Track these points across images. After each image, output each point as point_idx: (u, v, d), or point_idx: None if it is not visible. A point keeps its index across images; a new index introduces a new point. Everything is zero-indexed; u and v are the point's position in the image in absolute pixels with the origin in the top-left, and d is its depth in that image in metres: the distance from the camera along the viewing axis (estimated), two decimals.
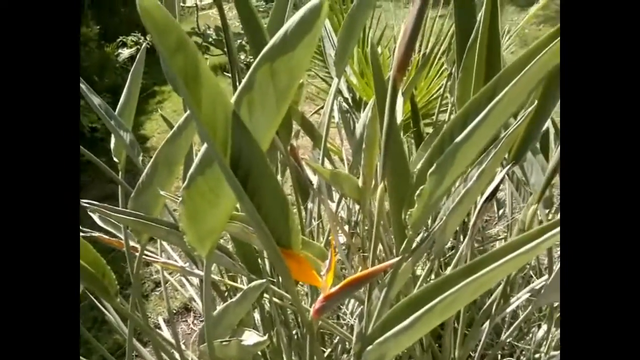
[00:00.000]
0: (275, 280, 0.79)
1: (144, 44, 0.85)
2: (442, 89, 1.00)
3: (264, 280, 0.54)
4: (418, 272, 0.84)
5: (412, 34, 0.35)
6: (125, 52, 3.18)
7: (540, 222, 0.71)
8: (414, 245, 0.49)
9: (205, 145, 0.35)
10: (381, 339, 0.36)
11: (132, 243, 0.68)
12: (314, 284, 0.39)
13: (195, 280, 0.93)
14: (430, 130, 1.03)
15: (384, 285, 0.52)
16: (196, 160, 0.37)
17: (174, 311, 1.51)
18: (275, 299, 0.71)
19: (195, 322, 1.48)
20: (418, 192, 0.39)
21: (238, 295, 0.55)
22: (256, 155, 0.33)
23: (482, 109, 0.39)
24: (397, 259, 0.38)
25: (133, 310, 0.67)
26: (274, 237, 0.36)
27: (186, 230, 0.41)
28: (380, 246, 0.89)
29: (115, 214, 0.54)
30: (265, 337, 0.48)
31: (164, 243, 0.91)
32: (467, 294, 0.33)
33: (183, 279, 1.03)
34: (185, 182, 0.38)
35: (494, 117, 0.37)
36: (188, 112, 0.57)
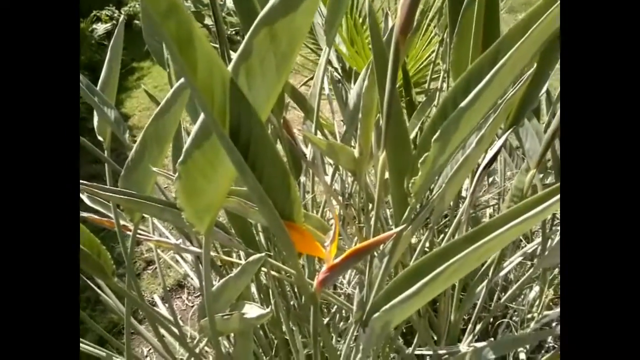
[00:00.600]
0: (272, 253, 0.79)
1: (121, 17, 0.81)
2: (433, 56, 0.98)
3: (263, 254, 0.53)
4: (412, 240, 0.85)
5: None
6: (100, 28, 3.05)
7: (534, 187, 0.72)
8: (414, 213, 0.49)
9: (201, 117, 0.34)
10: (387, 306, 0.36)
11: (122, 222, 0.67)
12: (318, 255, 0.38)
13: (190, 257, 0.93)
14: (422, 98, 1.02)
15: (383, 255, 0.52)
16: (192, 133, 0.35)
17: (168, 289, 1.51)
18: (272, 272, 0.71)
19: (189, 298, 1.48)
20: (422, 159, 0.38)
21: (237, 269, 0.55)
22: (256, 125, 0.32)
23: (484, 74, 0.38)
24: (401, 227, 0.37)
25: (129, 289, 0.66)
26: (276, 210, 0.36)
27: (184, 206, 0.40)
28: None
29: (107, 194, 0.52)
30: (268, 310, 0.48)
31: (155, 220, 0.90)
32: (470, 261, 0.33)
33: (176, 256, 1.03)
34: (181, 157, 0.36)
35: (497, 81, 0.36)
36: (176, 85, 0.55)
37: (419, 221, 0.49)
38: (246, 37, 0.29)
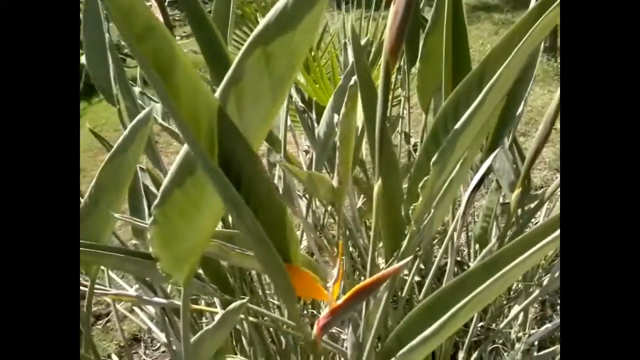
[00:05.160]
0: (248, 296, 0.73)
1: None
2: (392, 84, 1.00)
3: (244, 301, 0.48)
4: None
5: (404, 14, 0.32)
6: None
7: (503, 204, 0.72)
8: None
9: (182, 150, 0.30)
10: (404, 350, 0.32)
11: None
12: (320, 298, 0.34)
13: (150, 307, 0.84)
14: None
15: (377, 292, 0.49)
16: (171, 170, 0.31)
17: (123, 344, 1.37)
18: (250, 318, 0.65)
19: (147, 352, 1.35)
20: (421, 184, 0.36)
21: (215, 320, 0.49)
22: (249, 158, 0.28)
23: (473, 96, 0.37)
24: (405, 260, 0.35)
25: (87, 349, 0.59)
26: None
27: (159, 255, 0.35)
28: (352, 248, 0.86)
29: None
30: None
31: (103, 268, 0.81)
32: (492, 292, 0.30)
33: (132, 306, 0.93)
34: (158, 198, 0.31)
35: (489, 102, 0.35)
36: (132, 123, 0.50)
37: (412, 249, 0.46)
38: (236, 60, 0.26)
